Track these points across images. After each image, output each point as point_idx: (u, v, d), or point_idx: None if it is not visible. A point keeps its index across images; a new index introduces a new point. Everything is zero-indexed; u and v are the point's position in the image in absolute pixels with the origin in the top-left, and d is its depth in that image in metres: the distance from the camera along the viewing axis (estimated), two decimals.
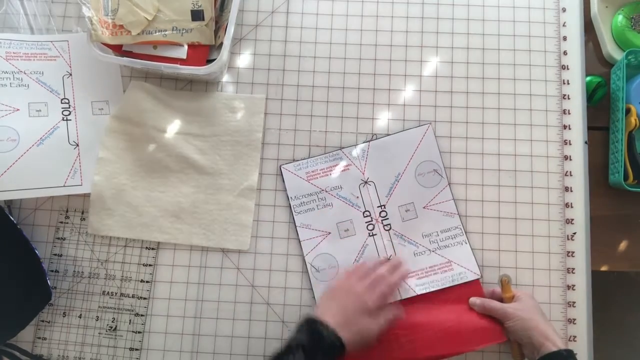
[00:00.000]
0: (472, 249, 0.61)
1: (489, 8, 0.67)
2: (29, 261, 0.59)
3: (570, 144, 0.64)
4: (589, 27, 0.69)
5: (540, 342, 0.52)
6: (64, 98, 0.64)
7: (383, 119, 0.65)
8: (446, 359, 0.57)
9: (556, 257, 0.62)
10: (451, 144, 0.64)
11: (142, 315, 0.61)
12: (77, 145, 0.62)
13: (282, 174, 0.63)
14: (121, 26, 0.60)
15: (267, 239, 0.62)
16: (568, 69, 0.66)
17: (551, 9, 0.67)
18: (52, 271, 0.61)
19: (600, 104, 0.68)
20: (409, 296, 0.60)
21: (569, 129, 0.64)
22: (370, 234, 0.62)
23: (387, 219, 0.62)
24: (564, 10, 0.67)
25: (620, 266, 0.65)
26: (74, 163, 0.62)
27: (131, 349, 0.60)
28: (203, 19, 0.61)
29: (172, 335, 0.60)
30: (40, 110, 0.62)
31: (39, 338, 0.60)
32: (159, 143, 0.63)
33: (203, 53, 0.62)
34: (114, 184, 0.62)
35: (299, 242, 0.62)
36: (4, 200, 0.61)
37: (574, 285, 0.61)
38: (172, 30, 0.61)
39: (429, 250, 0.61)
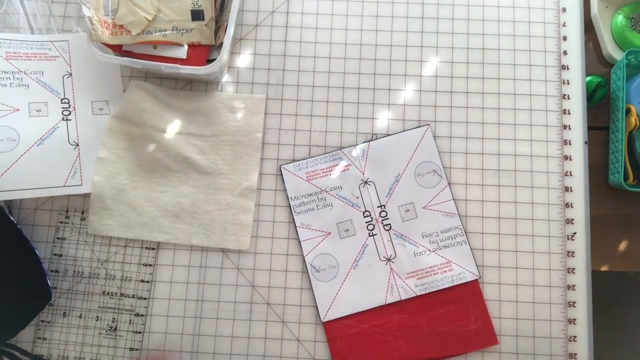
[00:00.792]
0: (471, 249, 0.61)
1: (489, 8, 0.67)
2: (29, 261, 0.59)
3: (570, 144, 0.64)
4: (589, 27, 0.69)
5: None
6: (64, 98, 0.64)
7: (383, 119, 0.65)
8: None
9: (556, 257, 0.62)
10: (451, 144, 0.64)
11: (142, 316, 0.61)
12: (77, 145, 0.62)
13: (282, 174, 0.63)
14: (121, 26, 0.60)
15: (267, 239, 0.62)
16: (568, 69, 0.66)
17: (551, 9, 0.67)
18: (52, 271, 0.61)
19: (600, 104, 0.68)
20: (409, 297, 0.60)
21: (569, 129, 0.64)
22: (371, 234, 0.62)
23: (387, 219, 0.62)
24: (564, 10, 0.67)
25: (620, 266, 0.65)
26: (74, 163, 0.62)
27: (131, 349, 0.60)
28: (203, 19, 0.61)
29: (172, 335, 0.60)
30: (40, 110, 0.62)
31: (39, 338, 0.60)
32: (159, 143, 0.63)
33: (203, 53, 0.62)
34: (114, 184, 0.62)
35: (299, 242, 0.62)
36: (4, 200, 0.61)
37: (574, 285, 0.61)
38: (172, 30, 0.61)
39: (429, 250, 0.61)
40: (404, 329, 0.59)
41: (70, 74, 0.65)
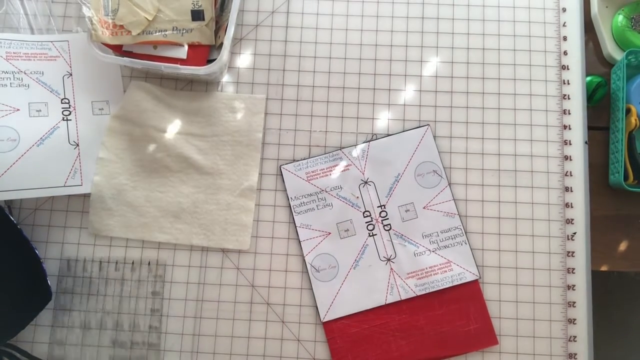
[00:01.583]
0: (471, 250, 0.61)
1: (489, 8, 0.67)
2: (29, 261, 0.59)
3: (570, 144, 0.64)
4: (589, 27, 0.69)
5: None
6: (64, 98, 0.64)
7: (383, 119, 0.65)
8: None
9: (556, 257, 0.62)
10: (451, 144, 0.64)
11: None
12: (77, 145, 0.62)
13: (282, 174, 0.63)
14: (121, 26, 0.60)
15: (267, 239, 0.62)
16: (568, 69, 0.66)
17: (551, 9, 0.67)
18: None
19: (600, 104, 0.68)
20: (409, 297, 0.60)
21: (569, 129, 0.65)
22: (371, 234, 0.62)
23: (387, 219, 0.62)
24: (564, 10, 0.67)
25: (620, 266, 0.65)
26: (74, 163, 0.62)
27: (132, 348, 0.60)
28: (203, 19, 0.61)
29: (172, 335, 0.60)
30: (40, 110, 0.62)
31: (39, 338, 0.60)
32: (159, 143, 0.63)
33: (203, 53, 0.62)
34: (114, 184, 0.62)
35: (299, 242, 0.62)
36: (4, 200, 0.61)
37: (574, 285, 0.61)
38: (172, 30, 0.61)
39: (429, 250, 0.61)
40: (404, 329, 0.59)
41: (71, 74, 0.65)
